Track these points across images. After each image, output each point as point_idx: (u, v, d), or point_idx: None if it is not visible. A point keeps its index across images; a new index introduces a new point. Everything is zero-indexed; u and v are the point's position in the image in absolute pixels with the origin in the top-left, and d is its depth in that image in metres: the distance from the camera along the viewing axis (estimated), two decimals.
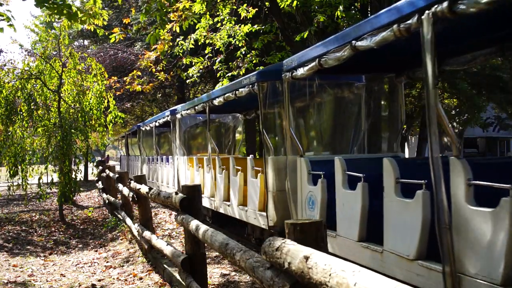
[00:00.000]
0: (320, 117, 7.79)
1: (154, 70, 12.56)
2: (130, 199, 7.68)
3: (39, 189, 11.93)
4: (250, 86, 6.95)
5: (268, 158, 6.65)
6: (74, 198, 14.94)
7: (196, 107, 9.83)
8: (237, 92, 7.45)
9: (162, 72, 12.92)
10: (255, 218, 7.11)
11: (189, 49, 12.46)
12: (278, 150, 7.14)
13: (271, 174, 6.56)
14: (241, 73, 11.49)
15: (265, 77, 6.81)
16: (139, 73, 12.78)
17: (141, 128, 17.42)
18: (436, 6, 3.27)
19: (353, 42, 4.33)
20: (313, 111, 7.71)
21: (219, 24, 12.02)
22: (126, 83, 12.75)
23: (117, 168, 21.26)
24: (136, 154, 21.18)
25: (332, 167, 5.20)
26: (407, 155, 24.28)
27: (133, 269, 6.62)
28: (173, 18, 9.80)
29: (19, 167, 11.65)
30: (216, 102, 8.47)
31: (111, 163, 25.14)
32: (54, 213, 12.68)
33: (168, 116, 12.65)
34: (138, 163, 19.21)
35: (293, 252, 2.11)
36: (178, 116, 11.56)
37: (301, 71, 5.47)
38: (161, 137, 18.26)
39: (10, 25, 5.91)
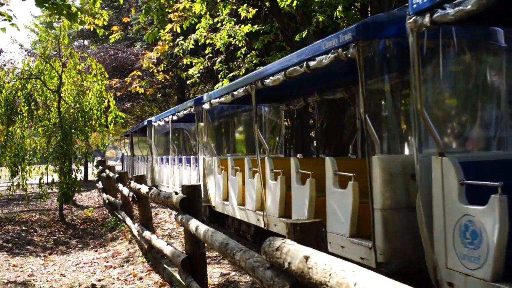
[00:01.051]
0: (460, 93, 4.96)
1: (155, 71, 12.55)
2: (130, 199, 7.69)
3: (40, 189, 11.94)
4: (340, 49, 4.57)
5: (374, 158, 4.44)
6: (74, 198, 14.95)
7: (235, 93, 7.42)
8: (311, 62, 5.08)
9: (161, 72, 12.92)
10: (344, 247, 4.85)
11: (189, 49, 12.46)
12: (389, 146, 5.07)
13: (379, 182, 4.36)
14: (241, 73, 11.50)
15: (370, 33, 4.41)
16: (139, 73, 12.79)
17: (152, 123, 14.96)
18: None
19: None
20: (450, 83, 4.91)
21: (219, 24, 12.03)
22: (127, 83, 12.76)
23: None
24: (144, 154, 19.39)
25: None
26: None
27: (133, 269, 6.62)
28: (174, 18, 9.81)
29: (19, 167, 11.65)
30: (269, 81, 6.18)
31: (111, 164, 24.80)
32: (54, 213, 12.68)
33: (191, 107, 10.44)
34: (146, 165, 17.11)
35: (293, 252, 2.11)
36: (206, 106, 9.09)
37: (458, 7, 3.10)
38: (179, 133, 16.50)
39: (12, 24, 5.93)
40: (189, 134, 17.08)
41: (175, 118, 12.04)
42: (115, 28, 9.65)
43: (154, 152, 15.64)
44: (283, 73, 5.77)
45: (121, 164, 35.00)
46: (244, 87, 7.04)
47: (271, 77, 6.11)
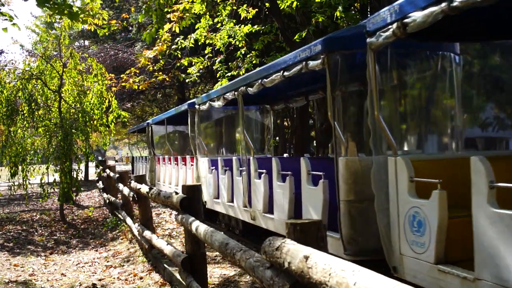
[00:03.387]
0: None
1: (151, 68, 12.52)
2: (131, 199, 7.71)
3: (41, 189, 11.95)
4: None
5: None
6: (77, 198, 14.95)
7: None
8: None
9: (161, 73, 12.91)
10: None
11: (188, 48, 12.47)
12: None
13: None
14: (241, 73, 11.51)
15: None
16: (136, 70, 12.78)
17: (197, 107, 9.74)
18: None
19: None
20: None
21: (219, 25, 12.05)
22: (123, 79, 12.74)
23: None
24: (173, 152, 14.72)
25: None
26: None
27: (134, 269, 6.64)
28: (173, 18, 9.82)
29: (20, 167, 11.67)
30: None
31: (111, 164, 24.35)
32: (54, 213, 12.70)
33: (313, 58, 4.97)
34: (180, 169, 11.96)
35: (293, 251, 2.12)
36: (377, 39, 4.02)
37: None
38: (255, 119, 10.63)
39: (14, 24, 5.96)
40: (256, 122, 11.02)
41: (252, 90, 6.72)
42: (113, 22, 9.67)
43: (199, 150, 10.16)
44: None
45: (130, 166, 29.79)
46: None
47: None
